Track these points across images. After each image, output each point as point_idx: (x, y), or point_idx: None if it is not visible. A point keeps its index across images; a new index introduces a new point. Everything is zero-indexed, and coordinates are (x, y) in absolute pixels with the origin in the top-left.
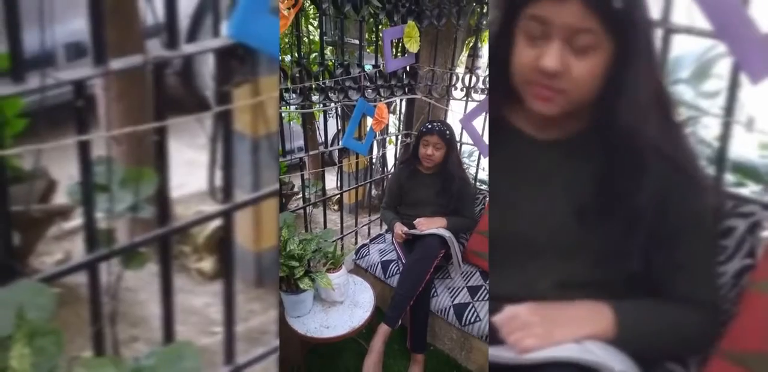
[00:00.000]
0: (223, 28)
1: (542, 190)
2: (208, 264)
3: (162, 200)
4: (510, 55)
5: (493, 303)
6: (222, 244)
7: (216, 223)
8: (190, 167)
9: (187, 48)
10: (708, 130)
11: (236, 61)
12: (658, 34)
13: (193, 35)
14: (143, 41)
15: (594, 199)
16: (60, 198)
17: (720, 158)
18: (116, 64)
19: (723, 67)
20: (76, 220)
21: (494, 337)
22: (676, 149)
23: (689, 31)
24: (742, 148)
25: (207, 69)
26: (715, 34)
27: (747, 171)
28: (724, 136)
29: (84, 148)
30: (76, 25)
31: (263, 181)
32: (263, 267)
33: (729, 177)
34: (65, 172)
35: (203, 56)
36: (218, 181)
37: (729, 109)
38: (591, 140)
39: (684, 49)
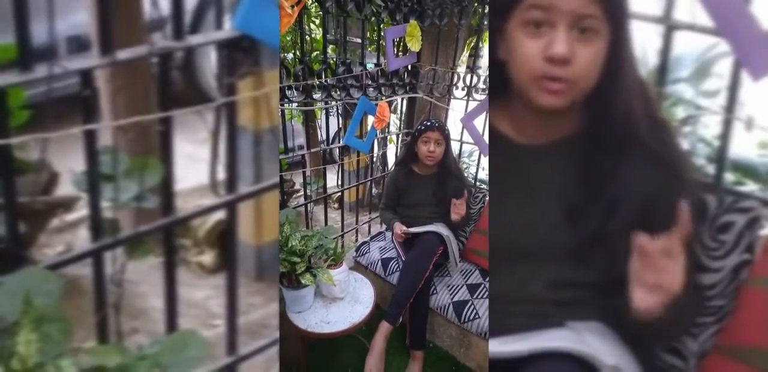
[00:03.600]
0: (227, 22)
1: (530, 195)
2: (208, 257)
3: (166, 190)
4: (509, 53)
5: (492, 302)
6: (222, 238)
7: (216, 216)
8: (189, 161)
9: (193, 39)
10: (708, 129)
11: (241, 53)
12: (661, 30)
13: (194, 30)
14: (146, 34)
15: (582, 201)
16: (61, 190)
17: (720, 157)
18: (122, 54)
19: (723, 67)
20: (77, 212)
21: (493, 331)
22: (664, 145)
23: (691, 28)
24: (742, 147)
25: (208, 63)
26: (717, 31)
27: (746, 170)
28: (724, 135)
29: (90, 138)
30: (77, 19)
31: (265, 175)
32: (264, 261)
33: (728, 176)
34: (65, 165)
35: (205, 50)
36: (219, 175)
37: (729, 108)
38: (578, 142)
39: (684, 48)
